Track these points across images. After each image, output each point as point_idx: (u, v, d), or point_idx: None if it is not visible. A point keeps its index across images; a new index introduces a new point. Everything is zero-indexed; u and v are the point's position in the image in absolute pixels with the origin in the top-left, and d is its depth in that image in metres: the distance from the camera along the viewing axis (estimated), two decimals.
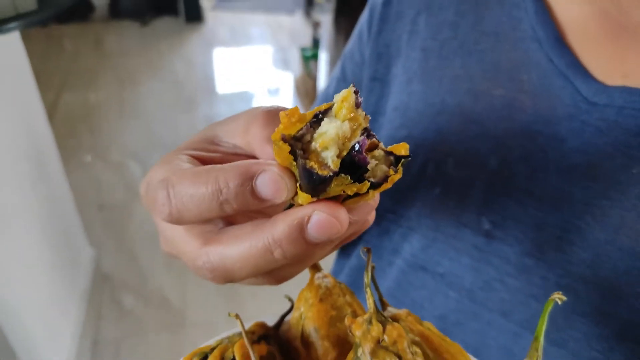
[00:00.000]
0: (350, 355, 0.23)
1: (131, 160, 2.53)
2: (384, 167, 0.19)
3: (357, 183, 0.18)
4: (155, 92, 3.27)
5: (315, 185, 0.18)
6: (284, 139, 0.18)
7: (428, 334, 0.25)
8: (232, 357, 0.24)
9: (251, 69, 3.69)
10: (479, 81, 0.39)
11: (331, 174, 0.18)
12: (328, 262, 0.51)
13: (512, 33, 0.38)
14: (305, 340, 0.26)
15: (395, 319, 0.25)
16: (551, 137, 0.35)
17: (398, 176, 0.19)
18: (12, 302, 1.09)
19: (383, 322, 0.22)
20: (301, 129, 0.19)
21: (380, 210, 0.43)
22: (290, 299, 0.30)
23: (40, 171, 1.39)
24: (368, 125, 0.20)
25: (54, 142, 1.56)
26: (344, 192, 0.18)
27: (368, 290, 0.24)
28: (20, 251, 1.19)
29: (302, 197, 0.19)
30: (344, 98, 0.19)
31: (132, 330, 1.67)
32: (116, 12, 4.41)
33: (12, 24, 0.92)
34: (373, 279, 0.26)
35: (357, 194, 0.19)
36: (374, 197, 0.21)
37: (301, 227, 0.19)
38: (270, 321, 0.29)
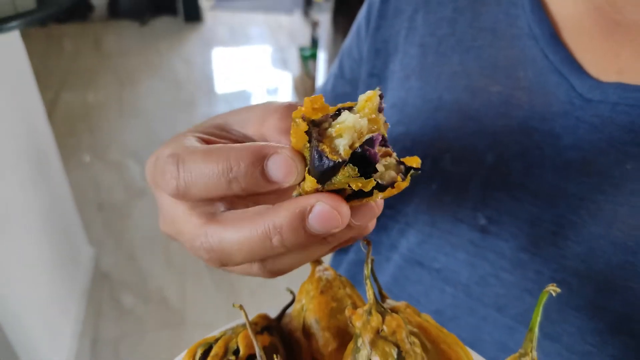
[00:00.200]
0: (351, 346, 0.23)
1: (130, 160, 2.53)
2: (393, 174, 0.20)
3: (363, 178, 0.19)
4: (155, 91, 3.27)
5: (323, 170, 0.18)
6: (304, 118, 0.19)
7: (426, 325, 0.25)
8: (236, 347, 0.24)
9: (250, 68, 3.69)
10: (476, 78, 0.40)
11: (340, 160, 0.18)
12: (326, 257, 0.51)
13: (509, 30, 0.39)
14: (307, 332, 0.27)
15: (394, 310, 0.25)
16: (547, 134, 0.35)
17: (405, 184, 0.19)
18: (12, 300, 1.10)
19: (382, 313, 0.23)
20: (322, 116, 0.19)
21: None
22: (291, 292, 0.30)
23: (40, 170, 1.40)
24: (386, 134, 0.20)
25: (54, 141, 1.57)
26: (349, 186, 0.19)
27: (368, 282, 0.24)
28: (20, 250, 1.19)
29: (309, 181, 0.19)
30: (369, 98, 0.20)
31: (132, 329, 1.67)
32: (115, 11, 4.41)
33: (12, 23, 0.93)
34: (372, 272, 0.27)
35: (361, 193, 0.19)
36: (377, 203, 0.21)
37: (303, 216, 0.19)
38: (273, 313, 0.30)
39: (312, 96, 0.20)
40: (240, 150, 0.20)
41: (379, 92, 0.20)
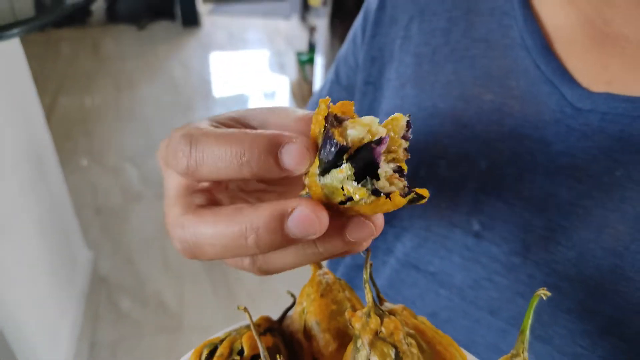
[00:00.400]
0: (350, 346, 0.24)
1: (128, 164, 2.53)
2: (395, 189, 0.20)
3: (357, 182, 0.19)
4: (152, 95, 3.27)
5: (328, 152, 0.19)
6: (328, 107, 0.20)
7: (422, 327, 0.26)
8: (240, 348, 0.25)
9: (248, 73, 3.70)
10: (470, 87, 0.40)
11: (344, 144, 0.19)
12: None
13: (502, 40, 0.40)
14: (308, 333, 0.27)
15: (391, 313, 0.26)
16: (538, 141, 0.36)
17: (402, 202, 0.19)
18: (11, 304, 1.09)
19: (381, 316, 0.23)
20: (346, 115, 0.20)
21: None
22: (292, 295, 0.31)
23: (38, 174, 1.40)
24: (404, 164, 0.21)
25: (53, 145, 1.57)
26: (342, 188, 0.19)
27: (367, 285, 0.25)
28: (18, 253, 1.19)
29: (312, 168, 0.20)
30: (395, 118, 0.20)
31: (130, 332, 1.67)
32: (113, 16, 4.41)
33: (12, 31, 0.93)
34: (371, 276, 0.28)
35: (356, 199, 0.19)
36: (376, 223, 0.21)
37: (282, 218, 0.19)
38: (273, 316, 0.30)
39: (344, 101, 0.21)
40: (256, 135, 0.20)
41: (408, 118, 0.20)
